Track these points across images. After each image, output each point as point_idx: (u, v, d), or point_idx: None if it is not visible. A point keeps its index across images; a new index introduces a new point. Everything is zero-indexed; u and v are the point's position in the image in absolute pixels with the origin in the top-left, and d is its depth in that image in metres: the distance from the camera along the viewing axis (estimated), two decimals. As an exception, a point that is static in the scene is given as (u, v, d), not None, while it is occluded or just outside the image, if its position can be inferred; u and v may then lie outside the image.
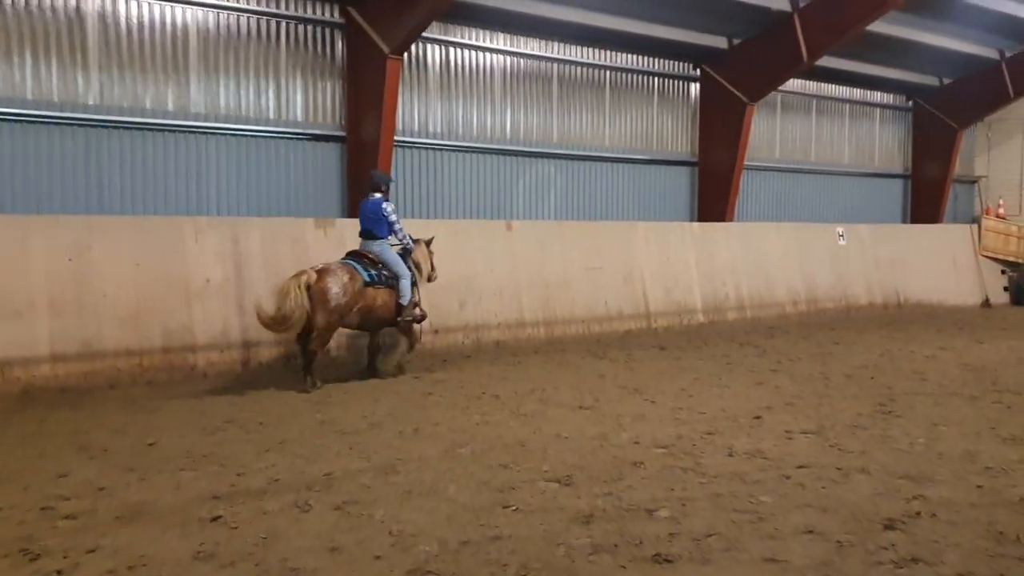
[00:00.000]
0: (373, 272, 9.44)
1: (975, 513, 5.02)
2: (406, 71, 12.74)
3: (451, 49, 13.40)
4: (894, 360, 11.06)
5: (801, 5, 14.79)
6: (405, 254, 9.91)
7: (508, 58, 14.04)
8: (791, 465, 6.05)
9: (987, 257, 19.84)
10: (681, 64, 16.20)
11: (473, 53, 13.65)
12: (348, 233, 10.87)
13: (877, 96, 19.93)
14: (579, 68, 14.93)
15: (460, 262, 11.71)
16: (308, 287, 8.78)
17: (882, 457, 6.26)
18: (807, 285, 16.25)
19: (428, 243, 10.31)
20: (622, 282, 13.41)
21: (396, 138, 12.32)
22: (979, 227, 20.02)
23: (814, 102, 18.68)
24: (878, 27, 15.48)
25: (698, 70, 16.24)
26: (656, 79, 15.98)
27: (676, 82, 16.26)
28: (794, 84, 17.69)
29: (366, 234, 9.72)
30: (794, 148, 18.39)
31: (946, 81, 19.87)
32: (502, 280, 12.09)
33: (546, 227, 13.21)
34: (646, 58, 15.79)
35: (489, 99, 13.83)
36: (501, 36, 13.89)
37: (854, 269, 17.24)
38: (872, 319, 16.14)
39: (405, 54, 12.21)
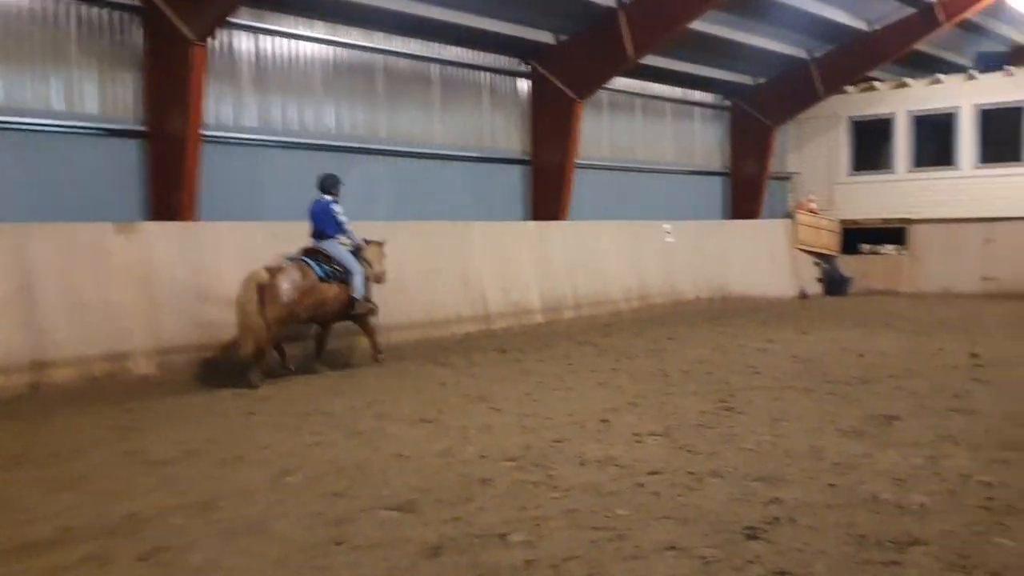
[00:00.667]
0: (327, 268, 9.91)
1: (833, 515, 4.88)
2: (214, 60, 11.78)
3: (264, 37, 12.53)
4: (727, 354, 11.19)
5: (626, 1, 14.85)
6: (356, 252, 10.34)
7: (328, 48, 13.30)
8: (643, 472, 5.78)
9: (801, 250, 20.83)
10: (510, 59, 15.97)
11: (289, 42, 12.83)
12: (156, 239, 9.87)
13: (697, 95, 20.51)
14: (405, 61, 14.38)
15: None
16: (260, 287, 9.09)
17: (732, 458, 6.10)
18: (639, 282, 16.42)
19: (381, 245, 10.83)
20: (460, 284, 12.98)
21: (204, 133, 11.33)
22: (793, 222, 20.99)
23: (639, 101, 18.96)
24: (699, 26, 15.83)
25: (528, 66, 16.03)
26: (485, 74, 15.65)
27: (506, 78, 15.99)
28: (620, 82, 17.85)
29: (318, 234, 10.20)
30: (622, 147, 18.58)
31: (760, 81, 20.71)
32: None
33: (376, 228, 12.55)
34: (474, 52, 15.43)
35: (309, 92, 13.06)
36: (320, 24, 13.13)
37: (681, 265, 17.60)
38: (700, 313, 16.49)
39: (212, 41, 11.27)
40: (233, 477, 5.87)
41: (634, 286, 16.27)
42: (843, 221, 21.48)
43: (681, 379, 9.34)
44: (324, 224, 10.16)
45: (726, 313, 16.63)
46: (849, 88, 21.09)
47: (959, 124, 19.89)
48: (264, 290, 9.14)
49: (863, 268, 20.98)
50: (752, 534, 4.56)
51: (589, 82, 15.42)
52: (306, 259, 9.86)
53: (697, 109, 20.61)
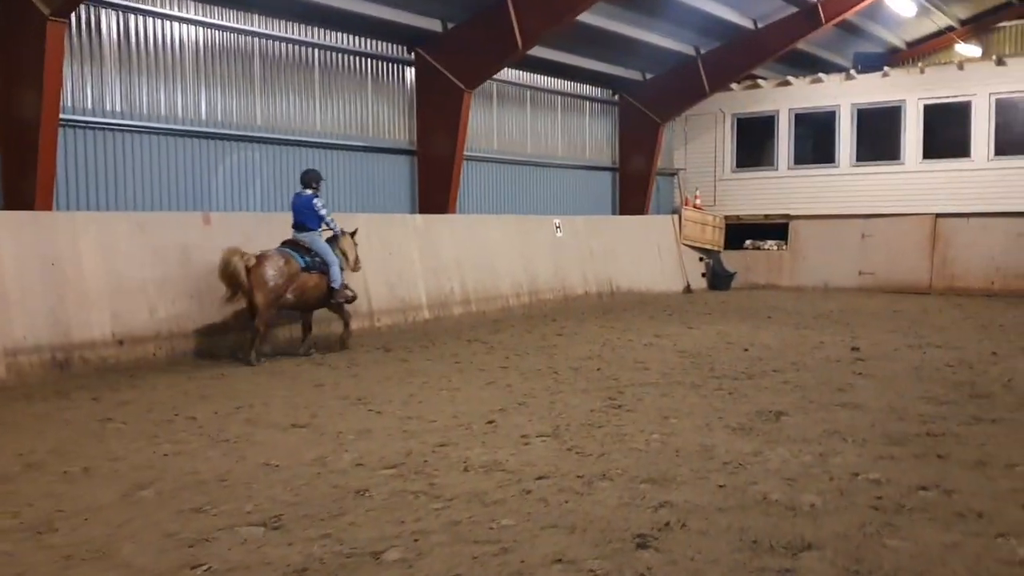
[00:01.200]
0: (308, 258, 10.49)
1: (724, 519, 4.68)
2: (74, 39, 10.89)
3: (131, 15, 11.65)
4: (616, 350, 11.05)
5: (515, -11, 14.56)
6: (333, 242, 10.89)
7: (202, 30, 12.50)
8: (531, 477, 5.48)
9: (687, 245, 21.06)
10: (395, 46, 15.42)
11: (159, 22, 11.98)
12: (4, 230, 9.05)
13: (587, 89, 20.43)
14: (284, 45, 13.67)
15: (147, 260, 10.18)
16: (247, 271, 9.77)
17: (622, 459, 5.87)
18: (529, 277, 16.20)
19: (352, 235, 11.27)
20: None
21: (62, 116, 10.44)
22: (680, 217, 21.20)
23: (529, 93, 18.73)
24: (588, 19, 15.68)
25: (413, 54, 15.54)
26: (369, 61, 15.07)
27: (390, 65, 15.45)
28: (510, 74, 17.58)
29: (299, 227, 10.74)
30: (512, 139, 18.31)
31: (648, 76, 20.79)
32: (199, 280, 10.61)
33: (251, 219, 11.91)
34: (358, 38, 14.82)
35: (179, 75, 12.23)
36: (192, 4, 12.33)
37: (570, 260, 17.48)
38: (589, 308, 16.41)
39: (72, 17, 10.38)
40: (77, 493, 5.27)
41: (524, 281, 16.04)
42: (727, 217, 21.85)
43: (571, 376, 9.12)
44: (305, 217, 10.72)
45: (615, 308, 16.59)
46: (734, 85, 21.43)
47: (838, 123, 20.46)
48: (251, 274, 9.82)
49: (746, 263, 21.39)
50: (642, 542, 4.32)
51: (477, 72, 15.05)
52: (290, 249, 10.46)
53: (587, 103, 20.53)
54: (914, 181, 19.44)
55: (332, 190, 13.99)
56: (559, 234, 17.34)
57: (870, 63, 21.17)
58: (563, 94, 19.72)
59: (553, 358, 10.36)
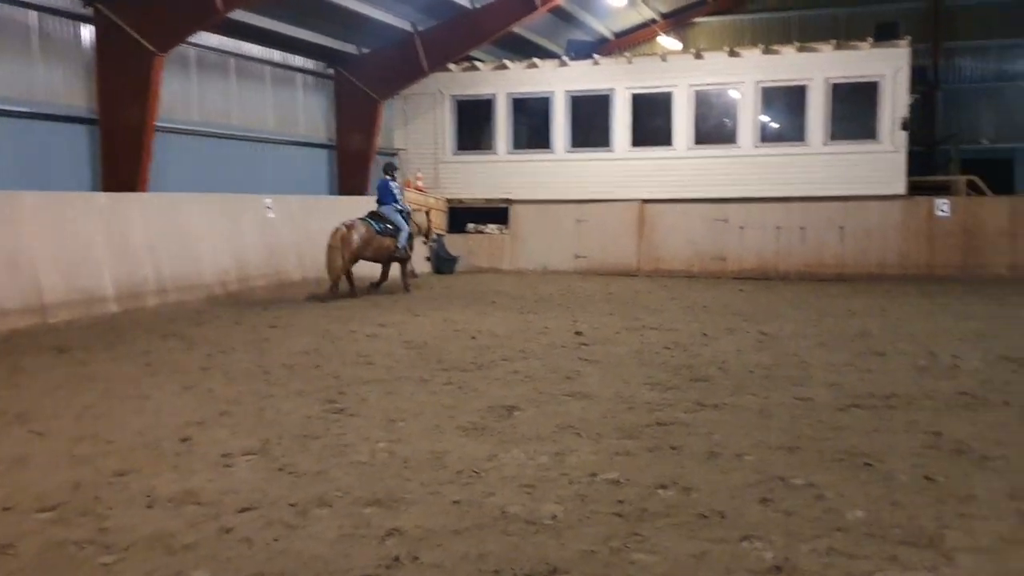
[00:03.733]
0: (381, 225, 14.50)
1: (461, 544, 4.10)
2: None
3: None
4: (336, 342, 10.18)
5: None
6: (406, 216, 15.00)
7: None
8: (232, 509, 4.57)
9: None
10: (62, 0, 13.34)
11: None
12: None
13: (299, 61, 19.21)
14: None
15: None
16: (340, 237, 14.01)
17: (343, 477, 5.11)
18: (237, 262, 14.82)
19: (427, 213, 16.21)
20: (3, 268, 10.46)
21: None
22: (401, 199, 20.61)
23: (233, 61, 17.21)
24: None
25: (91, 8, 13.52)
26: (34, 14, 12.88)
27: (62, 21, 13.36)
28: (211, 39, 16.03)
29: (380, 202, 14.83)
30: (215, 111, 16.74)
31: (365, 50, 19.93)
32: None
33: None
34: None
35: None
36: None
37: (285, 243, 16.28)
38: (307, 296, 15.33)
39: None
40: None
41: (231, 267, 14.64)
42: (450, 200, 21.59)
43: (284, 376, 8.14)
44: (384, 195, 14.91)
45: (335, 295, 15.64)
46: (453, 66, 21.14)
47: (553, 109, 20.82)
48: (343, 238, 14.02)
49: (469, 246, 21.26)
50: (369, 589, 3.59)
51: (170, 34, 13.35)
52: (369, 219, 14.61)
53: (299, 76, 19.32)
54: (623, 168, 20.24)
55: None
56: (271, 215, 16.05)
57: (582, 51, 21.76)
58: (274, 64, 18.39)
59: (264, 355, 9.27)
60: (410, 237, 15.09)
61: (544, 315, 12.58)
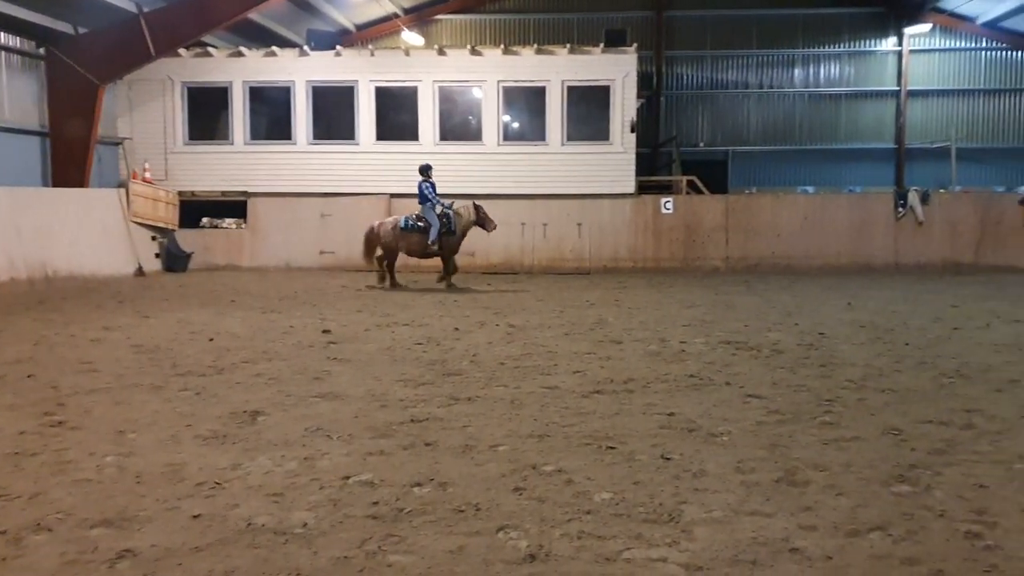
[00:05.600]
0: (411, 222, 16.02)
1: (204, 563, 3.80)
2: None
3: None
4: (54, 349, 9.21)
5: None
6: (446, 213, 16.02)
7: None
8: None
9: (137, 223, 19.05)
10: None
11: None
12: None
13: (2, 38, 17.18)
14: None
15: None
16: (368, 231, 16.33)
17: (65, 497, 4.58)
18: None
19: (477, 206, 16.38)
20: None
21: None
22: (127, 192, 19.05)
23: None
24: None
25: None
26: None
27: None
28: None
29: (419, 201, 16.17)
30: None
31: (83, 30, 18.21)
32: None
33: None
34: None
35: None
36: None
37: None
38: (19, 299, 13.81)
39: None
40: None
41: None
42: (182, 193, 20.30)
43: (-9, 389, 7.21)
44: (420, 196, 15.94)
45: (51, 297, 14.20)
46: (184, 52, 19.89)
47: (294, 99, 20.18)
48: (369, 232, 16.20)
49: (205, 242, 20.17)
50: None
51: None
52: (405, 217, 16.14)
53: (3, 54, 17.27)
54: (369, 161, 20.04)
55: None
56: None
57: (323, 42, 21.26)
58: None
59: (-35, 366, 8.19)
60: (446, 233, 15.80)
61: (289, 314, 12.13)
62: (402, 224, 15.83)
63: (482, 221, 16.24)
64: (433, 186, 16.07)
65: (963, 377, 7.73)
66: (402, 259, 16.70)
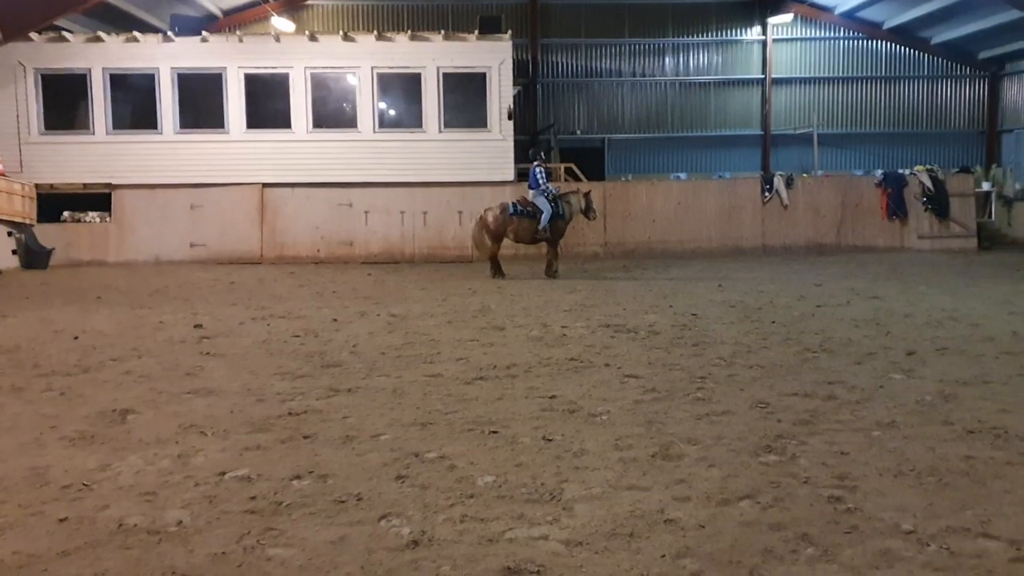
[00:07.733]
0: (519, 208, 15.89)
1: (71, 567, 3.63)
2: None
3: None
4: (-102, 353, 8.58)
5: None
6: (556, 199, 15.94)
7: None
8: None
9: (-9, 218, 17.96)
10: None
11: None
12: None
13: None
14: None
15: None
16: (479, 219, 16.24)
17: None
18: None
19: (586, 194, 16.57)
20: None
21: None
22: (-22, 185, 17.93)
23: None
24: None
25: None
26: None
27: None
28: None
29: (530, 186, 16.11)
30: None
31: (-79, 13, 17.00)
32: None
33: None
34: None
35: None
36: None
37: None
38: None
39: None
40: None
41: None
42: (39, 185, 19.23)
43: None
44: (532, 180, 15.98)
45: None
46: (36, 36, 18.80)
47: (159, 87, 19.38)
48: (480, 219, 16.26)
49: (66, 237, 19.18)
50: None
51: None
52: (512, 202, 16.10)
53: None
54: (240, 150, 19.46)
55: None
56: None
57: (188, 27, 20.49)
58: None
59: None
60: (556, 218, 15.74)
61: (159, 309, 11.69)
62: (511, 210, 15.82)
63: (587, 208, 16.31)
64: (546, 172, 16.07)
65: (825, 351, 8.15)
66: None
